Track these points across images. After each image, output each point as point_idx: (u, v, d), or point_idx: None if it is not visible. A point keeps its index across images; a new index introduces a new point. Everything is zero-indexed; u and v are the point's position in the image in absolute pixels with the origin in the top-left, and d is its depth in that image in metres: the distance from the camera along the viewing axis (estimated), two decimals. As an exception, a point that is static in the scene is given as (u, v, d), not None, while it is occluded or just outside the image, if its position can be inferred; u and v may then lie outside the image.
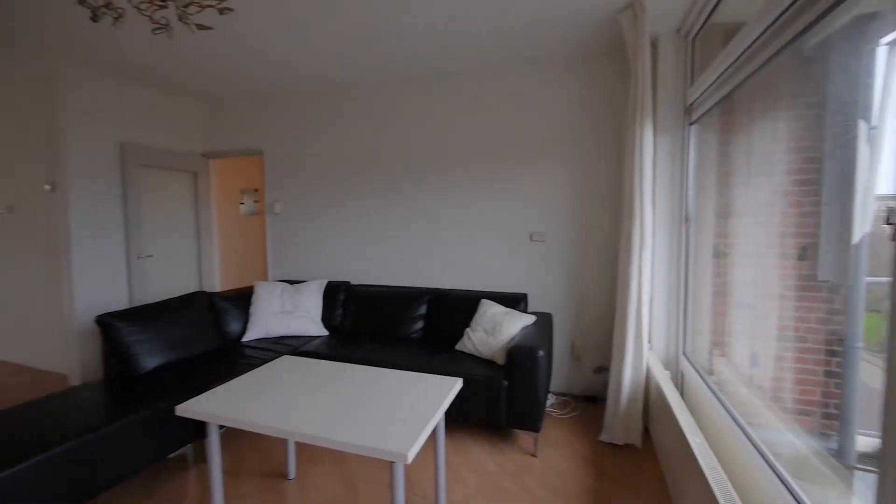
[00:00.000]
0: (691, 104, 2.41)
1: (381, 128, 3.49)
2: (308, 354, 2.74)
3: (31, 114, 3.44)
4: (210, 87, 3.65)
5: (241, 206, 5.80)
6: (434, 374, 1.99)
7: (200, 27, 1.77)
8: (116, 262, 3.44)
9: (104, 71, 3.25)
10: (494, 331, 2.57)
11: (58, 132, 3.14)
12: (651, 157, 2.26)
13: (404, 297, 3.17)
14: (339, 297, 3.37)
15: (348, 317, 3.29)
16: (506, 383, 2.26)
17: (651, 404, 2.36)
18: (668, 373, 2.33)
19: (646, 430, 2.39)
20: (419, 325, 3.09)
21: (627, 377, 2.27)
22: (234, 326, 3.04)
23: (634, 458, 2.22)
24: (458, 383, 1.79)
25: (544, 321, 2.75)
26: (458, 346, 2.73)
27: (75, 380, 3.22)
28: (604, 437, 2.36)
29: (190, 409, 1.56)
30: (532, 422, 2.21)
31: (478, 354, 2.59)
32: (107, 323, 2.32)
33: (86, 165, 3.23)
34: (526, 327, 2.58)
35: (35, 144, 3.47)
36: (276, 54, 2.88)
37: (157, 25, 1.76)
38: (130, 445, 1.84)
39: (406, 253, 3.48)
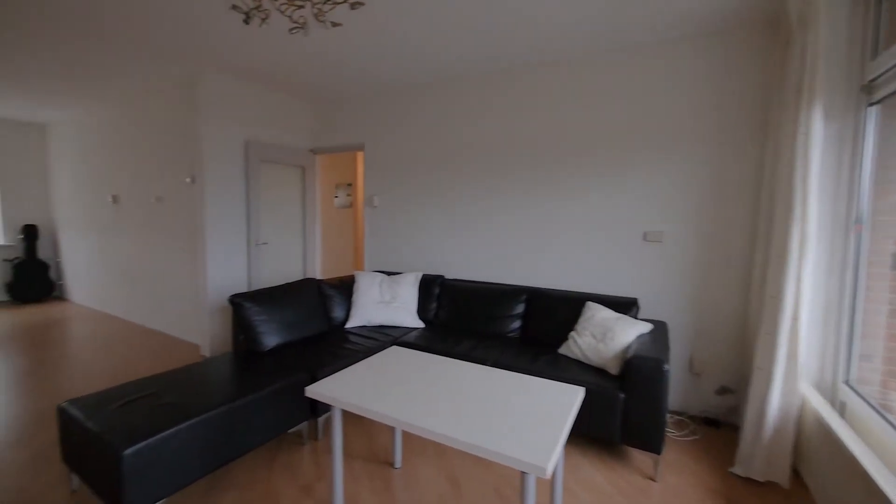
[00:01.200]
0: (873, 80, 1.97)
1: (478, 121, 3.42)
2: (409, 345, 2.78)
3: (175, 117, 3.95)
4: (317, 87, 3.88)
5: (335, 200, 6.16)
6: (539, 377, 1.87)
7: (334, 24, 1.83)
8: (239, 247, 3.83)
9: (232, 75, 3.61)
10: (605, 337, 2.37)
11: (197, 132, 3.55)
12: (819, 146, 1.88)
13: (501, 295, 3.08)
14: (433, 291, 3.39)
15: (443, 310, 3.30)
16: (622, 396, 2.06)
17: (805, 439, 2.00)
18: (827, 403, 1.95)
19: (794, 469, 2.03)
20: (516, 324, 2.99)
21: (774, 404, 1.94)
22: (338, 312, 3.20)
23: (780, 499, 1.89)
24: (580, 392, 1.65)
25: (660, 331, 2.48)
26: (562, 350, 2.57)
27: (206, 350, 3.65)
28: (738, 470, 2.05)
29: (318, 391, 1.63)
30: (653, 442, 1.99)
31: (585, 361, 2.41)
32: (238, 303, 2.57)
33: (218, 161, 3.62)
34: (642, 336, 2.34)
35: (178, 144, 3.98)
36: (382, 52, 2.95)
37: (295, 25, 1.86)
38: (261, 417, 1.99)
39: (501, 249, 3.38)
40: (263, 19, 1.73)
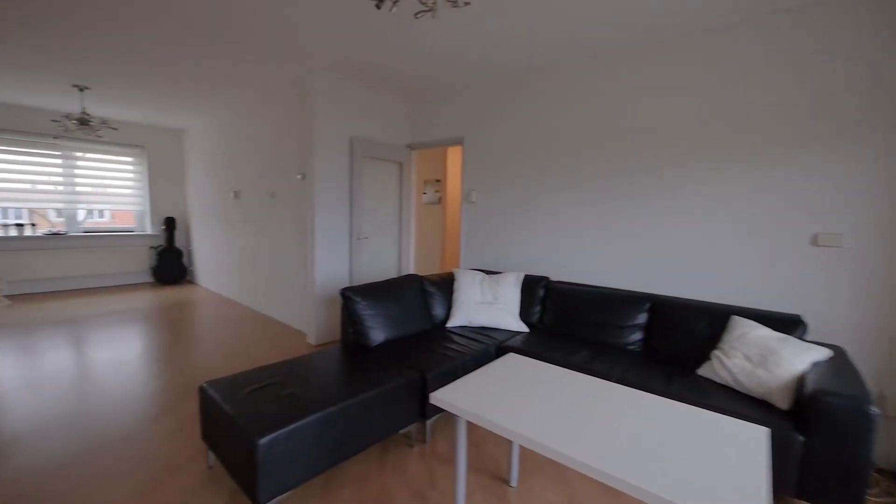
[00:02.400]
0: None
1: (587, 110, 3.09)
2: (517, 351, 2.59)
3: (288, 117, 4.20)
4: (416, 83, 3.84)
5: (423, 196, 6.17)
6: (675, 400, 1.56)
7: (466, 2, 1.69)
8: (342, 241, 3.96)
9: (338, 75, 3.71)
10: (766, 361, 1.94)
11: (308, 130, 3.72)
12: None
13: (619, 302, 2.74)
14: (537, 293, 3.16)
15: (548, 315, 3.05)
16: (801, 439, 1.65)
17: None
18: None
19: None
20: (636, 335, 2.64)
21: None
22: (438, 310, 3.13)
23: None
24: (763, 434, 1.32)
25: (841, 359, 1.98)
26: (702, 372, 2.18)
27: (311, 338, 3.83)
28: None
29: (443, 399, 1.51)
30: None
31: (737, 387, 2.01)
32: (348, 297, 2.60)
33: (326, 158, 3.76)
34: (818, 364, 1.88)
35: (291, 142, 4.24)
36: (484, 40, 2.77)
37: (423, 9, 1.75)
38: (376, 415, 1.95)
39: (614, 251, 3.03)
40: (395, 3, 1.65)
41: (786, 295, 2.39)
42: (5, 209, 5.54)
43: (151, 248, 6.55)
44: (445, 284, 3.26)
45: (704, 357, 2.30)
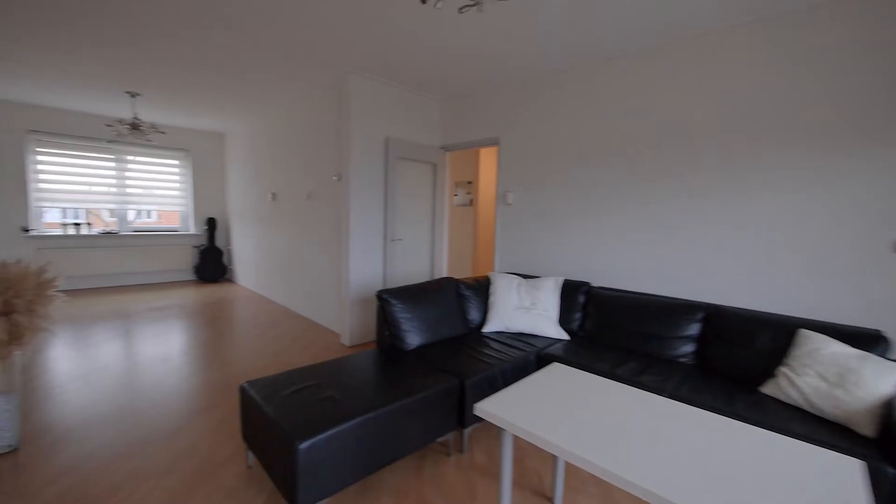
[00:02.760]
0: None
1: (631, 108, 2.93)
2: (558, 360, 2.48)
3: (325, 118, 4.25)
4: (451, 83, 3.79)
5: (455, 198, 6.12)
6: (738, 421, 1.41)
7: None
8: (376, 243, 3.96)
9: (374, 76, 3.71)
10: (844, 381, 1.75)
11: (344, 131, 3.74)
12: None
13: (669, 311, 2.58)
14: (577, 299, 3.02)
15: (589, 322, 2.91)
16: (892, 471, 1.46)
17: None
18: None
19: None
20: (687, 347, 2.46)
21: None
22: (474, 315, 3.05)
23: None
24: (858, 467, 1.17)
25: (934, 381, 1.75)
26: (767, 390, 2.00)
27: (345, 338, 3.85)
28: None
29: (489, 411, 1.44)
30: (950, 548, 1.37)
31: (808, 409, 1.82)
32: (385, 299, 2.56)
33: (362, 159, 3.76)
34: (908, 386, 1.67)
35: (327, 144, 4.28)
36: (522, 35, 2.67)
37: (469, 3, 1.69)
38: (415, 423, 1.90)
39: (662, 257, 2.85)
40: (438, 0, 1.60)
41: (862, 308, 2.16)
42: (66, 209, 5.92)
43: (194, 247, 6.82)
44: (481, 288, 3.18)
45: (767, 373, 2.11)
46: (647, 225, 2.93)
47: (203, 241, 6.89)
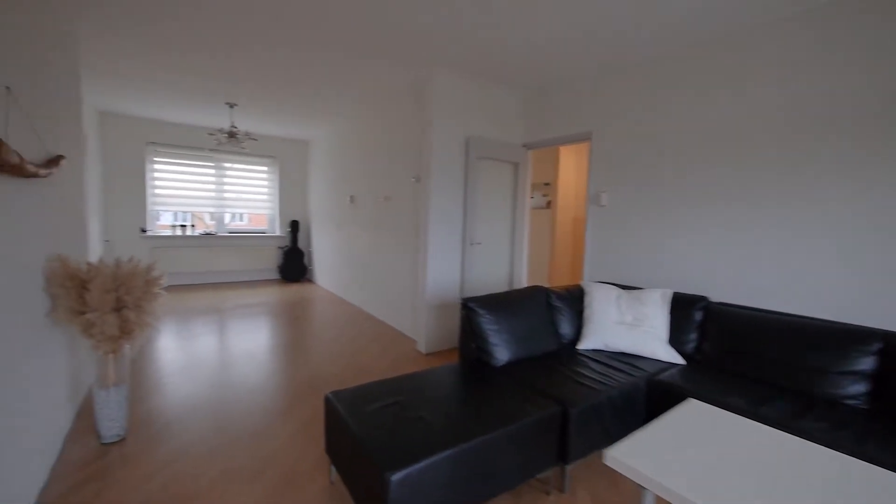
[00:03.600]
0: None
1: (754, 92, 2.40)
2: (676, 389, 2.07)
3: (404, 120, 4.18)
4: (536, 74, 3.51)
5: (531, 200, 5.74)
6: None
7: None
8: (454, 247, 3.78)
9: (455, 73, 3.54)
10: None
11: (425, 130, 3.62)
12: None
13: (827, 337, 2.04)
14: (692, 317, 2.56)
15: (709, 344, 2.44)
16: None
17: None
18: None
19: None
20: (859, 386, 1.92)
21: None
22: (565, 328, 2.72)
23: None
24: None
25: None
26: None
27: (421, 346, 3.71)
28: None
29: (624, 462, 1.14)
30: None
31: None
32: (472, 308, 2.35)
33: (442, 159, 3.61)
34: None
35: (406, 145, 4.21)
36: (629, 13, 2.30)
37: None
38: (513, 454, 1.65)
39: (811, 267, 2.30)
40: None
41: None
42: (176, 213, 6.60)
43: (279, 248, 7.23)
44: (573, 299, 2.84)
45: None
46: (789, 229, 2.39)
47: (287, 242, 7.28)
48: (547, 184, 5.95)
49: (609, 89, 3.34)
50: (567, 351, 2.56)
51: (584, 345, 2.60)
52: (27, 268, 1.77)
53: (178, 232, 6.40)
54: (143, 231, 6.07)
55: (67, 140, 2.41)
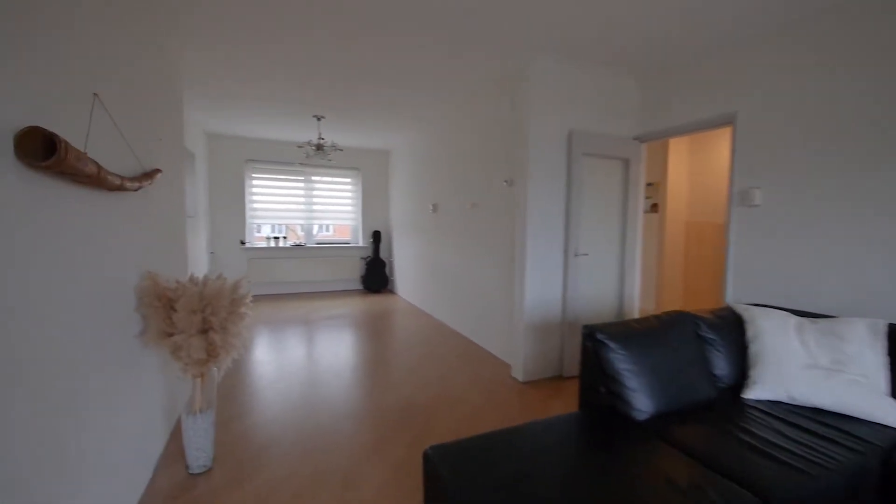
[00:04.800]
0: None
1: None
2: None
3: (495, 117, 3.79)
4: (654, 51, 2.88)
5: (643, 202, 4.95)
6: None
7: None
8: (555, 258, 3.26)
9: (557, 57, 3.06)
10: None
11: (520, 127, 3.18)
12: None
13: None
14: (930, 361, 1.76)
15: (971, 407, 1.63)
16: None
17: None
18: None
19: None
20: None
21: None
22: (721, 368, 2.07)
23: None
24: None
25: None
26: None
27: (517, 372, 3.24)
28: None
29: None
30: None
31: None
32: (600, 340, 1.83)
33: (540, 158, 3.14)
34: None
35: (496, 146, 3.81)
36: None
37: None
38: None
39: None
40: None
41: None
42: (271, 225, 6.97)
43: (362, 258, 7.27)
44: (727, 328, 2.17)
45: None
46: None
47: (369, 252, 7.30)
48: (650, 184, 5.14)
49: (764, 57, 2.61)
50: (729, 401, 1.91)
51: (755, 393, 1.92)
52: (117, 285, 1.67)
53: (272, 244, 6.71)
54: (243, 243, 6.45)
55: (168, 155, 2.41)
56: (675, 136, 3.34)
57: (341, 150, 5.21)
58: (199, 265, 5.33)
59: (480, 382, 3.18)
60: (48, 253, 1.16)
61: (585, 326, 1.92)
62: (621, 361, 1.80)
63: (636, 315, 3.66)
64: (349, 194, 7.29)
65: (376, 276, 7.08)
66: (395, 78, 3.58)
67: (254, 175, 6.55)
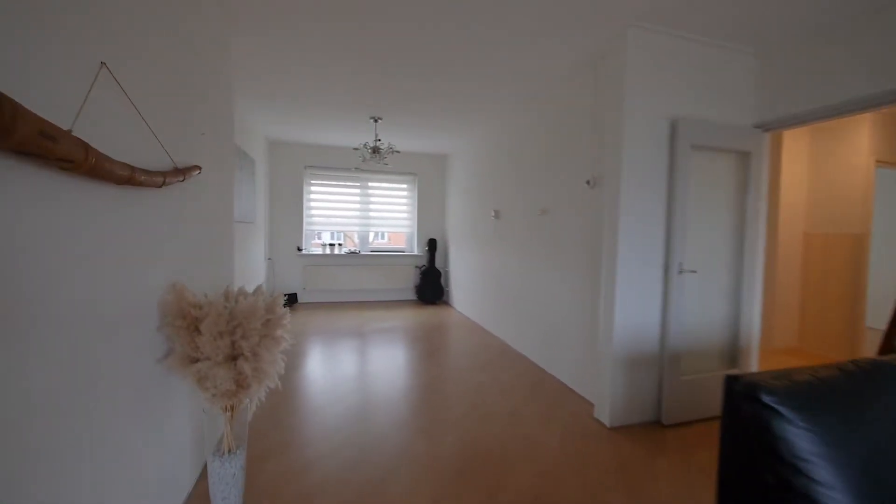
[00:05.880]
0: None
1: None
2: None
3: (572, 108, 3.25)
4: (786, 15, 2.20)
5: (761, 207, 4.14)
6: None
7: None
8: (652, 276, 2.65)
9: (658, 27, 2.49)
10: None
11: (614, 115, 2.63)
12: None
13: None
14: None
15: None
16: None
17: None
18: None
19: None
20: None
21: None
22: (950, 452, 1.37)
23: None
24: None
25: None
26: None
27: (602, 414, 2.64)
28: None
29: None
30: None
31: None
32: (772, 406, 1.23)
33: (636, 153, 2.56)
34: None
35: (573, 142, 3.27)
36: None
37: None
38: None
39: None
40: None
41: None
42: (329, 232, 6.90)
43: (416, 267, 6.95)
44: (951, 388, 1.45)
45: None
46: None
47: (424, 261, 6.97)
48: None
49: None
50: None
51: None
52: (138, 298, 1.39)
53: (328, 250, 6.60)
54: (299, 250, 6.39)
55: (215, 153, 2.17)
56: (812, 121, 2.61)
57: (398, 151, 4.93)
58: (256, 272, 5.29)
59: (557, 423, 2.63)
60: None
61: (734, 379, 1.33)
62: (806, 440, 1.19)
63: (755, 350, 2.91)
64: (405, 201, 7.04)
65: (431, 286, 6.72)
66: (460, 74, 3.19)
67: (312, 181, 6.51)
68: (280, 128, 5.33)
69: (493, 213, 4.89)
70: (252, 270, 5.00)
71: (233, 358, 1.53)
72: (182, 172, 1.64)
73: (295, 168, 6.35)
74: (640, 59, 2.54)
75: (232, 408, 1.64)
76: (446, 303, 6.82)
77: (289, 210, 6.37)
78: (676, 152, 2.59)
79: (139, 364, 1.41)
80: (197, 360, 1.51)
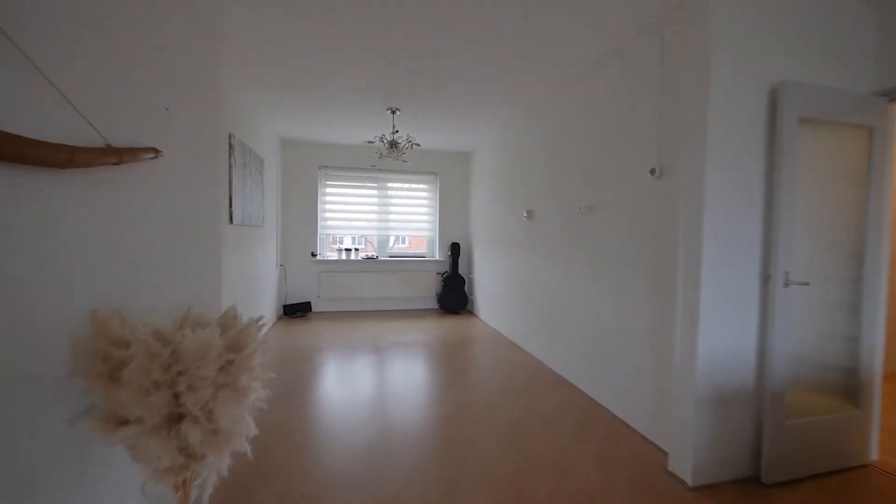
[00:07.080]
0: None
1: None
2: None
3: (632, 81, 2.68)
4: None
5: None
6: None
7: None
8: (746, 288, 2.04)
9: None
10: None
11: (696, 82, 2.05)
12: None
13: None
14: None
15: None
16: None
17: None
18: None
19: None
20: None
21: None
22: None
23: None
24: None
25: None
26: None
27: (680, 468, 2.03)
28: None
29: None
30: None
31: None
32: None
33: (722, 130, 1.97)
34: None
35: (630, 122, 2.69)
36: None
37: None
38: None
39: None
40: None
41: None
42: (346, 236, 6.49)
43: (438, 273, 6.44)
44: None
45: None
46: None
47: (446, 267, 6.45)
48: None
49: None
50: None
51: None
52: (40, 332, 0.92)
53: (343, 256, 6.18)
54: (314, 255, 5.99)
55: (188, 136, 1.71)
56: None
57: (418, 144, 4.45)
58: (266, 281, 4.89)
59: (620, 476, 2.04)
60: None
61: None
62: None
63: (877, 381, 2.24)
64: (425, 202, 6.55)
65: (454, 294, 6.19)
66: (490, 51, 2.67)
67: (327, 182, 6.11)
68: (292, 124, 4.94)
69: (524, 214, 4.32)
70: (261, 279, 4.60)
71: (177, 418, 1.05)
72: (117, 153, 1.17)
73: (309, 168, 5.97)
74: (728, 13, 1.95)
75: (185, 483, 1.15)
76: (471, 312, 6.27)
77: (302, 213, 5.98)
78: (781, 127, 1.98)
79: (45, 430, 0.94)
80: (127, 422, 1.03)
